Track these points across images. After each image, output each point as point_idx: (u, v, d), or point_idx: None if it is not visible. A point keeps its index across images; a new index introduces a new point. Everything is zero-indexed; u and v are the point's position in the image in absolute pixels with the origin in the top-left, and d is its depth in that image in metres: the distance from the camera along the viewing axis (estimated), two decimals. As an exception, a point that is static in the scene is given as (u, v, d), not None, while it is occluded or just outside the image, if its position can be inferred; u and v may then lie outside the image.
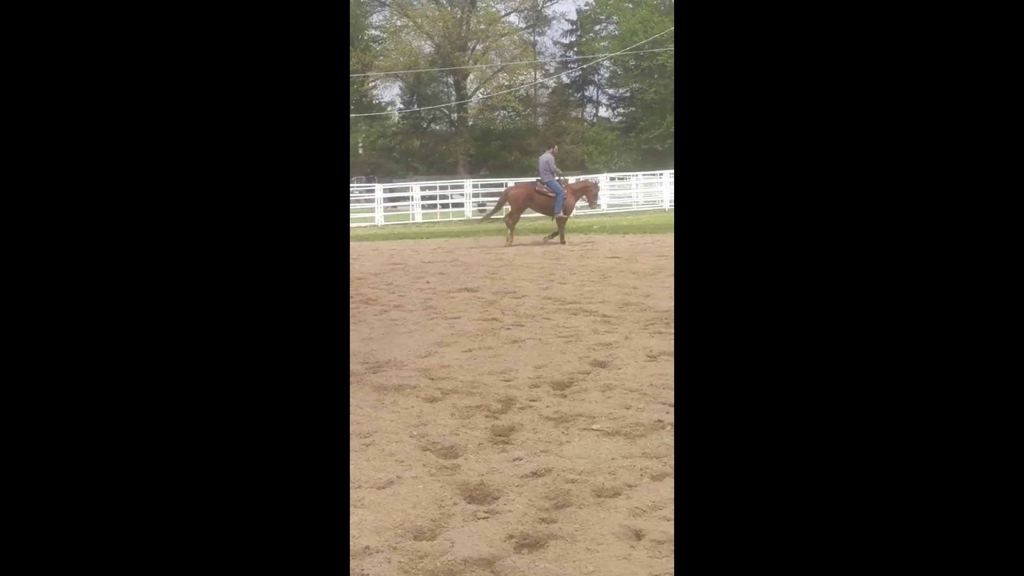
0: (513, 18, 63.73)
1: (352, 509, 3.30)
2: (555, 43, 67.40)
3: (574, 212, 20.49)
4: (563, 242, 18.52)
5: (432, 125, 62.30)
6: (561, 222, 19.02)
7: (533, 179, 20.33)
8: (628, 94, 64.23)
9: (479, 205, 34.72)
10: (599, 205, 21.44)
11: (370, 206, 31.25)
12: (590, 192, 20.07)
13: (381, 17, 60.65)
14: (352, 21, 52.40)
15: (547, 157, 19.53)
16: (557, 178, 19.22)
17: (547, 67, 66.16)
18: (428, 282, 11.78)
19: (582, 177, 27.46)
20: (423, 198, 32.81)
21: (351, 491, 3.48)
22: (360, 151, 56.79)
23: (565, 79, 65.72)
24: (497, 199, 22.42)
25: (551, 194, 19.01)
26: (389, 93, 64.89)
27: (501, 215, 19.97)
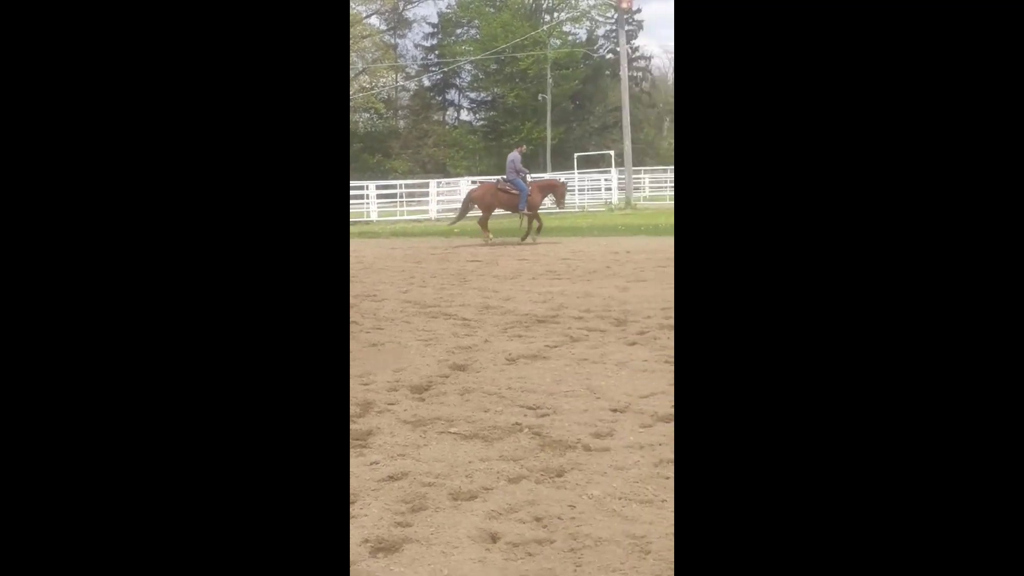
0: (374, 20, 63.43)
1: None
2: (416, 46, 67.39)
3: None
4: (534, 241, 18.57)
5: (292, 126, 61.32)
6: (529, 219, 19.15)
7: (496, 178, 20.72)
8: (489, 98, 64.59)
9: (340, 207, 34.39)
10: (564, 205, 21.40)
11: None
12: (558, 191, 20.09)
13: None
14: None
15: (514, 156, 19.71)
16: (522, 176, 19.34)
17: (408, 70, 66.04)
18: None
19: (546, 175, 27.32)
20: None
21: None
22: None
23: (427, 82, 65.69)
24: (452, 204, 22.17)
25: (514, 191, 19.15)
26: (247, 93, 63.73)
27: (473, 216, 20.00)
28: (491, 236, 19.28)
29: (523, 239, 18.88)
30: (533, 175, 22.74)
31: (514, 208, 19.36)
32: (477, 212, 19.84)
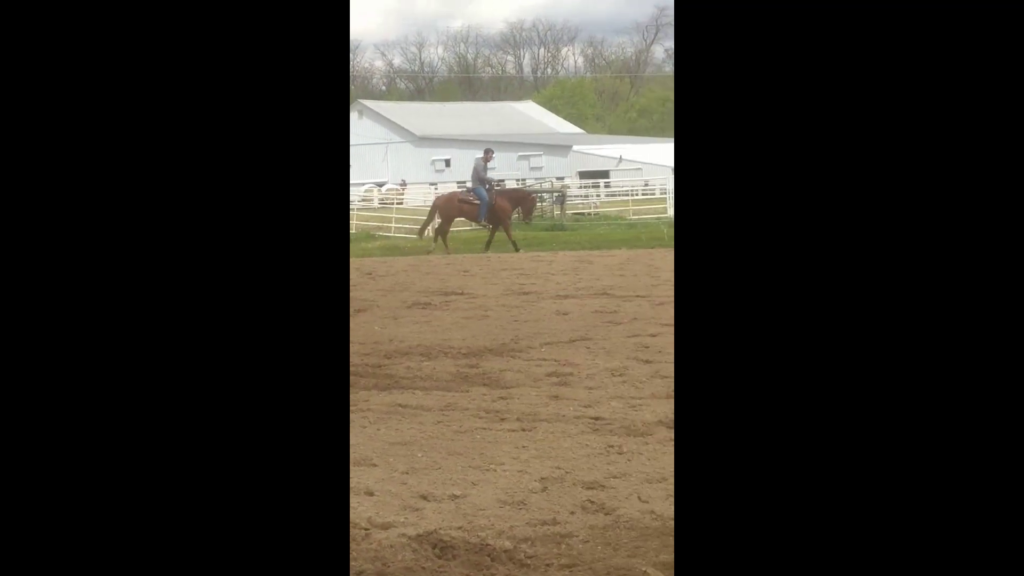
0: None
1: None
2: None
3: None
4: (516, 250, 16.88)
5: None
6: (495, 228, 17.63)
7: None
8: None
9: None
10: (532, 220, 19.63)
11: None
12: (526, 204, 18.49)
13: None
14: None
15: (478, 163, 18.08)
16: (487, 185, 17.69)
17: None
18: None
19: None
20: None
21: None
22: None
23: None
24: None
25: (475, 201, 17.53)
26: None
27: (434, 226, 18.07)
28: (448, 247, 17.70)
29: (487, 248, 17.56)
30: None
31: (474, 218, 18.01)
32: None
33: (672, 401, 5.33)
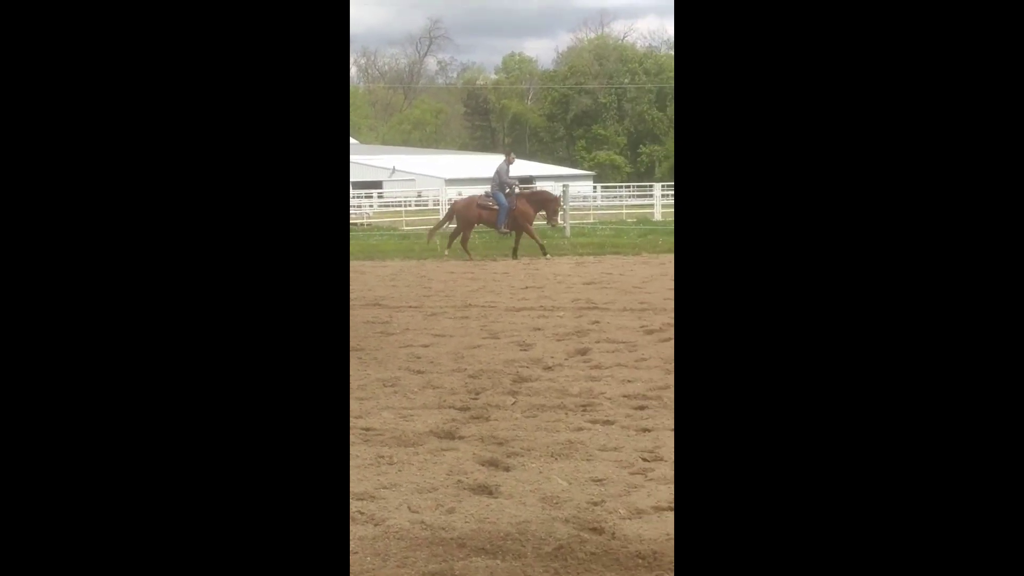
0: None
1: None
2: None
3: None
4: (545, 255, 16.09)
5: None
6: (519, 234, 16.65)
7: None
8: None
9: None
10: (558, 223, 18.10)
11: None
12: (550, 206, 17.20)
13: None
14: None
15: (500, 166, 16.84)
16: (507, 190, 16.55)
17: None
18: None
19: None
20: None
21: None
22: None
23: None
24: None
25: (494, 207, 16.49)
26: None
27: (449, 228, 17.12)
28: (470, 254, 16.74)
29: (514, 255, 16.58)
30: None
31: (493, 224, 16.92)
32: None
33: (442, 412, 5.41)
